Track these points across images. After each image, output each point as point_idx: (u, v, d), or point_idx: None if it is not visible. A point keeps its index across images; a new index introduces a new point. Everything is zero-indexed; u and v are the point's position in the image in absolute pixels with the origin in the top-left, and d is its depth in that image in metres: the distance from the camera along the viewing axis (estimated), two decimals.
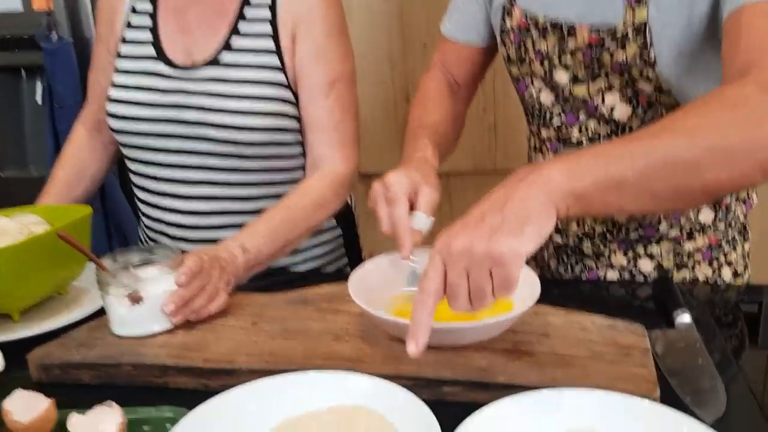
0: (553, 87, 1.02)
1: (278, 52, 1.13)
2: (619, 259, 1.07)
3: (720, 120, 0.66)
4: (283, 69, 1.13)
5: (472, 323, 0.77)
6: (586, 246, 1.09)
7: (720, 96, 0.69)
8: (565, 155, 0.70)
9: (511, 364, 0.77)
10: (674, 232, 1.04)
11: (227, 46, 1.14)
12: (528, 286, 0.83)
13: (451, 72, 1.17)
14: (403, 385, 0.74)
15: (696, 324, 0.86)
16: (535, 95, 1.05)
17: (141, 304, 0.87)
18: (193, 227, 1.18)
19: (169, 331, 0.88)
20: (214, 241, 1.11)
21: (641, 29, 0.90)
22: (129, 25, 1.20)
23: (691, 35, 0.89)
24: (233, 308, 0.93)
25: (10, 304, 0.94)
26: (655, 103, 0.95)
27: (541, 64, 1.01)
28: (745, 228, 1.09)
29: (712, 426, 0.64)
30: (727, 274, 1.08)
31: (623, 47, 0.92)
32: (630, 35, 0.91)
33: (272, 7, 1.14)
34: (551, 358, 0.78)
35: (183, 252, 0.93)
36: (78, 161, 1.28)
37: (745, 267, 1.09)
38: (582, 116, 1.01)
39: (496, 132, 2.06)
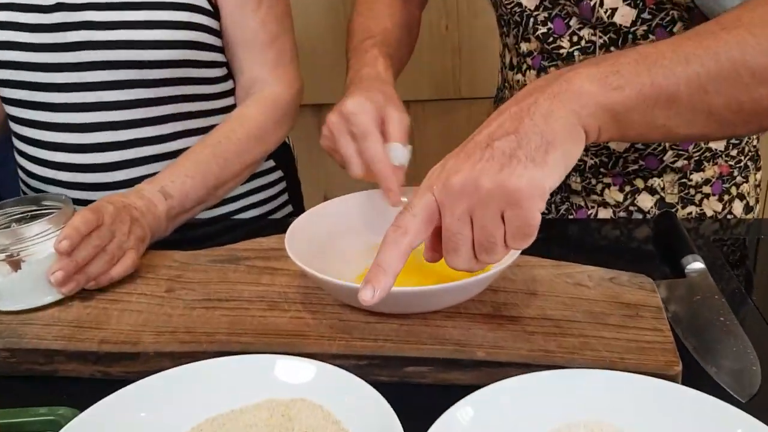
0: None
1: None
2: (614, 194, 0.91)
3: None
4: None
5: (443, 285, 0.60)
6: (574, 181, 0.92)
7: None
8: (597, 59, 0.52)
9: (492, 334, 0.61)
10: (681, 162, 0.87)
11: None
12: None
13: None
14: (357, 366, 0.58)
15: (710, 269, 0.71)
16: None
17: (23, 270, 0.68)
18: (93, 186, 0.94)
19: (59, 303, 0.69)
20: None
21: None
22: None
23: None
24: (145, 270, 0.75)
25: None
26: (667, 4, 0.77)
27: None
28: (757, 153, 0.93)
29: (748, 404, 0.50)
30: (738, 208, 0.92)
31: None
32: None
33: None
34: (542, 325, 0.62)
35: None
36: None
37: (757, 200, 0.94)
38: (573, 22, 0.82)
39: (460, 54, 1.86)
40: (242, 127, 0.92)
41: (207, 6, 0.91)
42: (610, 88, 0.50)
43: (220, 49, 0.95)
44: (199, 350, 0.61)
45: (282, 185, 1.07)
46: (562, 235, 0.86)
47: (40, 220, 0.69)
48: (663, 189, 0.89)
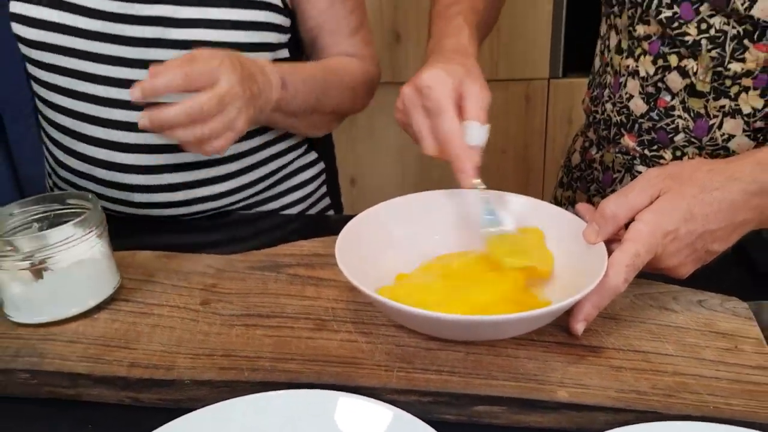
0: None
1: None
2: None
3: None
4: None
5: (516, 315, 0.53)
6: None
7: None
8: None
9: (573, 368, 0.54)
10: None
11: None
12: (590, 251, 0.58)
13: None
14: (420, 402, 0.51)
15: None
16: None
17: (45, 279, 0.61)
18: (129, 186, 0.85)
19: (84, 316, 0.63)
20: (158, 205, 0.85)
21: None
22: None
23: None
24: (177, 277, 0.68)
25: None
26: None
27: None
28: None
29: None
30: None
31: None
32: None
33: None
34: (629, 358, 0.55)
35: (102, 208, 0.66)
36: None
37: None
38: (704, 9, 0.72)
39: (499, 35, 1.77)
40: (345, 70, 0.89)
41: (279, 3, 0.83)
42: None
43: (284, 46, 0.87)
44: (241, 379, 0.54)
45: (322, 178, 0.99)
46: None
47: (65, 224, 0.62)
48: None
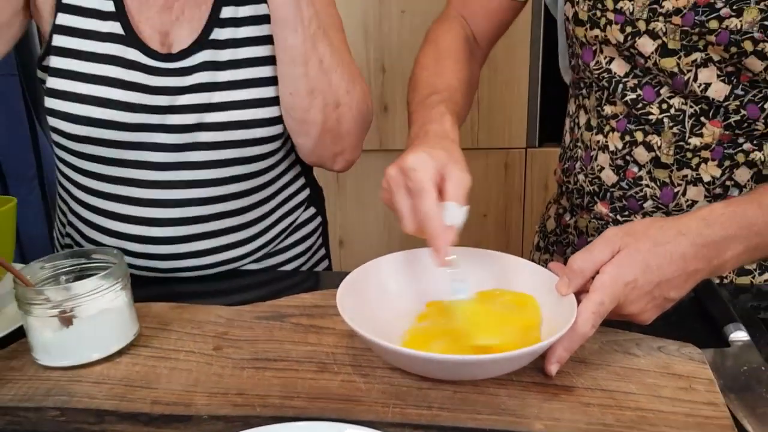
0: (631, 56, 0.84)
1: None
2: None
3: None
4: None
5: (499, 354, 0.60)
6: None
7: None
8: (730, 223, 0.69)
9: (548, 405, 0.61)
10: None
11: (217, 21, 0.86)
12: (563, 301, 0.66)
13: (472, 26, 0.98)
14: None
15: (754, 339, 0.72)
16: (604, 64, 0.87)
17: (74, 326, 0.68)
18: (161, 256, 0.90)
19: (107, 360, 0.69)
20: (183, 269, 0.92)
21: None
22: None
23: None
24: (191, 326, 0.75)
25: None
26: (762, 83, 0.79)
27: (622, 29, 0.83)
28: None
29: None
30: None
31: (739, 13, 0.76)
32: None
33: None
34: (597, 396, 0.62)
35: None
36: None
37: None
38: (665, 92, 0.83)
39: (479, 108, 1.89)
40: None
41: None
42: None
43: None
44: (253, 414, 0.61)
45: (320, 231, 1.07)
46: None
47: (93, 277, 0.69)
48: None
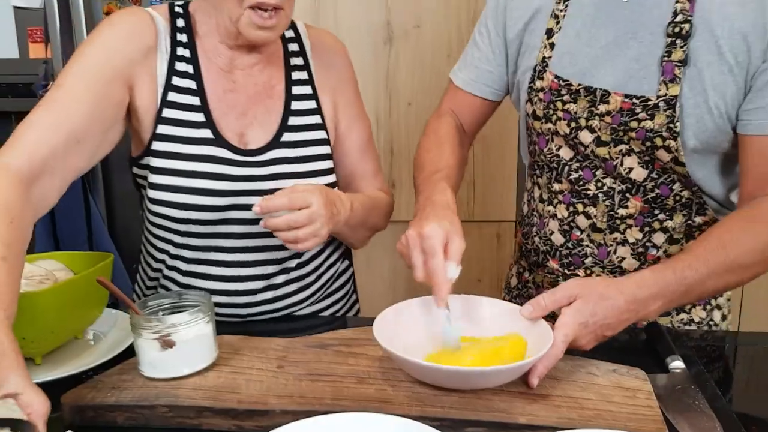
0: (575, 145, 1.11)
1: (323, 124, 1.18)
2: None
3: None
4: (328, 140, 1.18)
5: (495, 367, 0.83)
6: None
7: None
8: (662, 287, 0.93)
9: (530, 406, 0.83)
10: None
11: (286, 126, 1.14)
12: (542, 334, 0.90)
13: (461, 119, 1.26)
14: (430, 426, 0.79)
15: (688, 367, 0.94)
16: (554, 150, 1.13)
17: (175, 347, 0.90)
18: (242, 305, 1.16)
19: (199, 374, 0.91)
20: (255, 315, 1.17)
21: (672, 103, 1.01)
22: (171, 89, 1.08)
23: (716, 121, 1.01)
24: (257, 352, 0.97)
25: (36, 348, 0.97)
26: (669, 170, 1.06)
27: (568, 124, 1.10)
28: None
29: None
30: (717, 316, 1.17)
31: (652, 117, 1.02)
32: (661, 106, 1.01)
33: (309, 81, 1.18)
34: (565, 401, 0.85)
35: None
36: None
37: (729, 310, 1.19)
38: (599, 173, 1.10)
39: (474, 186, 2.15)
40: (381, 202, 1.24)
41: (332, 166, 1.19)
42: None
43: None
44: (313, 410, 0.83)
45: (352, 279, 1.33)
46: None
47: (189, 310, 0.92)
48: None
